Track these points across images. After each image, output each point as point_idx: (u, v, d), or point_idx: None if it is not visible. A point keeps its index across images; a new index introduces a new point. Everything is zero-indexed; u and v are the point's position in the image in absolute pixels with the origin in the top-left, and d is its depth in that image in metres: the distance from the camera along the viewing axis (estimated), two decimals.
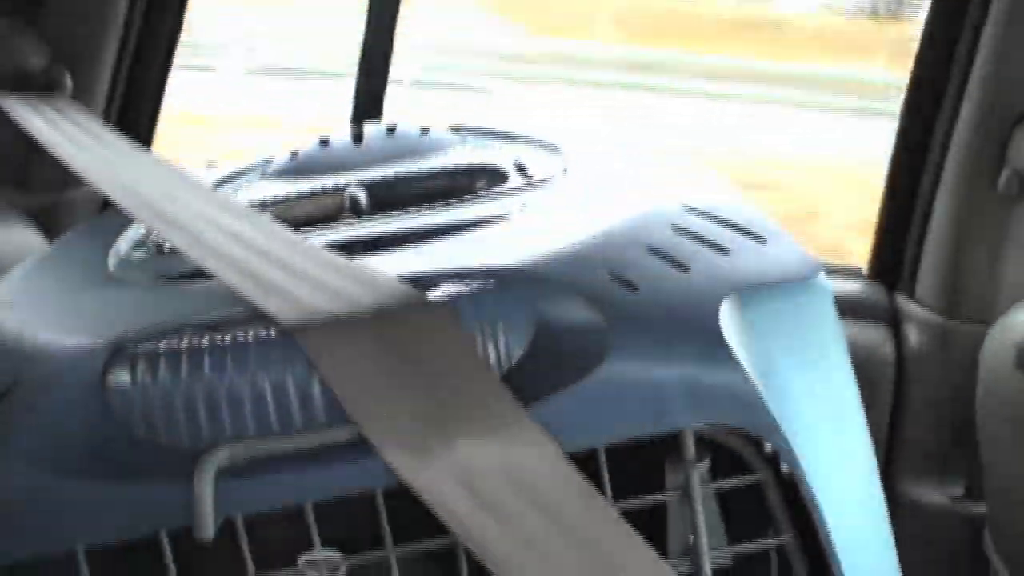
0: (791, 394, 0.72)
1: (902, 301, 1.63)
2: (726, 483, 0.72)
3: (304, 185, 1.04)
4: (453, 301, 0.71)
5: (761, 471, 0.72)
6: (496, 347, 0.71)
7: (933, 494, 1.58)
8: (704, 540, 0.71)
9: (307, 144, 1.16)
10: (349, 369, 0.69)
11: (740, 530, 0.75)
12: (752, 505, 0.75)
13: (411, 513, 0.69)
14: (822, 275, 0.78)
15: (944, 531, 1.56)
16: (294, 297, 0.74)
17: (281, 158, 1.14)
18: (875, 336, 1.61)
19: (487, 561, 0.67)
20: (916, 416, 1.59)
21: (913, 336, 1.60)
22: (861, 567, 0.74)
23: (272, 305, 0.73)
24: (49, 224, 1.51)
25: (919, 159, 1.59)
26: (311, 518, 0.69)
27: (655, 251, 0.76)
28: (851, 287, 1.64)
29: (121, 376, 0.70)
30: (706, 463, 0.72)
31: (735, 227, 0.81)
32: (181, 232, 0.85)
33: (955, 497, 1.58)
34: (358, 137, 1.16)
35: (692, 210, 0.83)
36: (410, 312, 0.71)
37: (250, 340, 0.70)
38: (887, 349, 1.60)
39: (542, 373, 0.70)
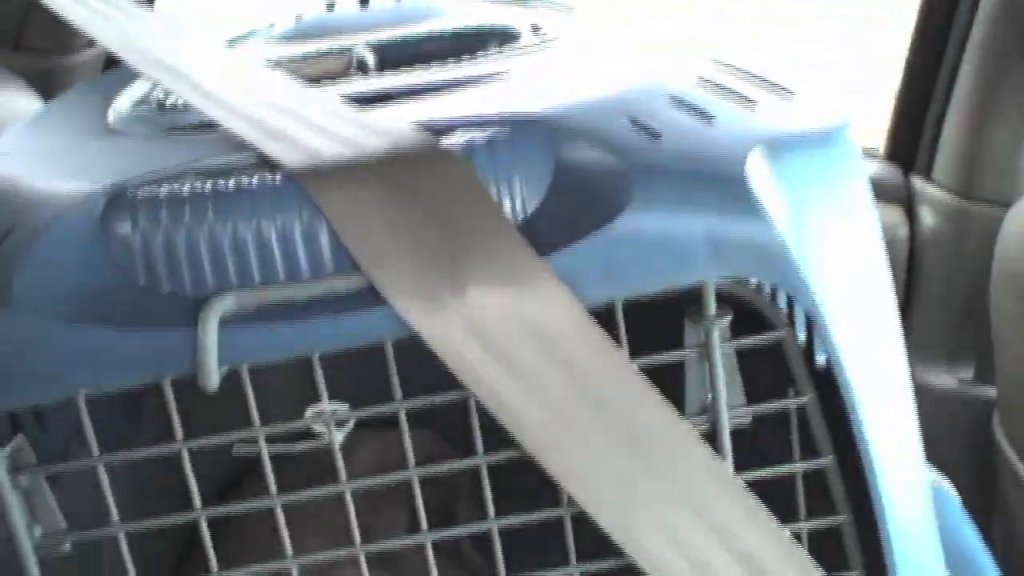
0: (818, 250, 0.69)
1: (918, 182, 1.60)
2: (747, 341, 0.70)
3: (309, 47, 1.01)
4: (467, 148, 0.68)
5: (784, 330, 0.70)
6: (512, 195, 0.68)
7: (943, 377, 1.57)
8: (723, 398, 0.69)
9: (312, 8, 1.13)
10: (357, 216, 0.66)
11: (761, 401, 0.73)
12: (774, 379, 0.73)
13: (422, 374, 0.67)
14: (850, 131, 0.75)
15: (952, 414, 1.56)
16: (301, 144, 0.71)
17: (285, 22, 1.11)
18: (890, 218, 1.58)
19: (498, 414, 0.65)
20: (928, 298, 1.58)
21: (928, 218, 1.57)
22: (884, 436, 0.72)
23: (278, 151, 0.70)
24: (47, 89, 1.48)
25: (941, 37, 1.55)
26: (318, 369, 0.67)
27: (678, 101, 0.73)
28: (867, 168, 1.61)
29: (121, 221, 0.68)
30: (727, 320, 0.69)
31: (763, 82, 0.78)
32: (185, 83, 0.82)
33: (964, 380, 1.57)
34: (365, 1, 1.13)
35: (718, 64, 0.80)
36: (422, 158, 0.68)
37: (255, 186, 0.68)
38: (902, 231, 1.58)
39: (559, 223, 0.67)
